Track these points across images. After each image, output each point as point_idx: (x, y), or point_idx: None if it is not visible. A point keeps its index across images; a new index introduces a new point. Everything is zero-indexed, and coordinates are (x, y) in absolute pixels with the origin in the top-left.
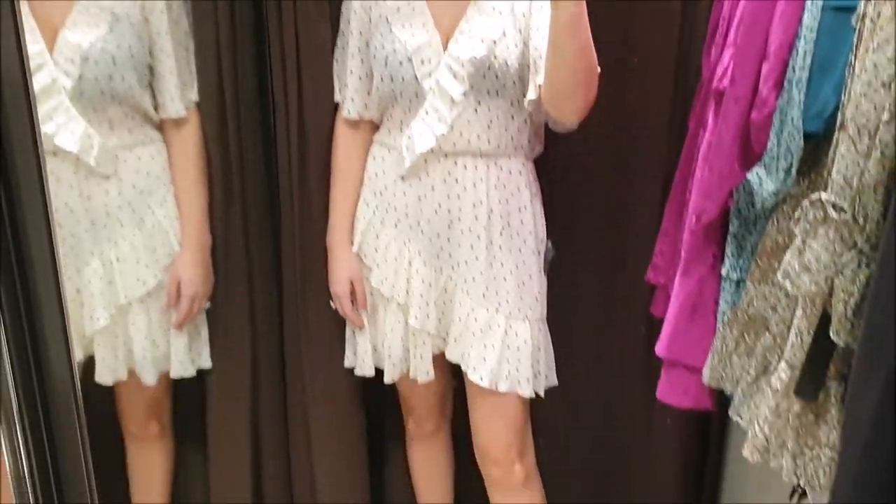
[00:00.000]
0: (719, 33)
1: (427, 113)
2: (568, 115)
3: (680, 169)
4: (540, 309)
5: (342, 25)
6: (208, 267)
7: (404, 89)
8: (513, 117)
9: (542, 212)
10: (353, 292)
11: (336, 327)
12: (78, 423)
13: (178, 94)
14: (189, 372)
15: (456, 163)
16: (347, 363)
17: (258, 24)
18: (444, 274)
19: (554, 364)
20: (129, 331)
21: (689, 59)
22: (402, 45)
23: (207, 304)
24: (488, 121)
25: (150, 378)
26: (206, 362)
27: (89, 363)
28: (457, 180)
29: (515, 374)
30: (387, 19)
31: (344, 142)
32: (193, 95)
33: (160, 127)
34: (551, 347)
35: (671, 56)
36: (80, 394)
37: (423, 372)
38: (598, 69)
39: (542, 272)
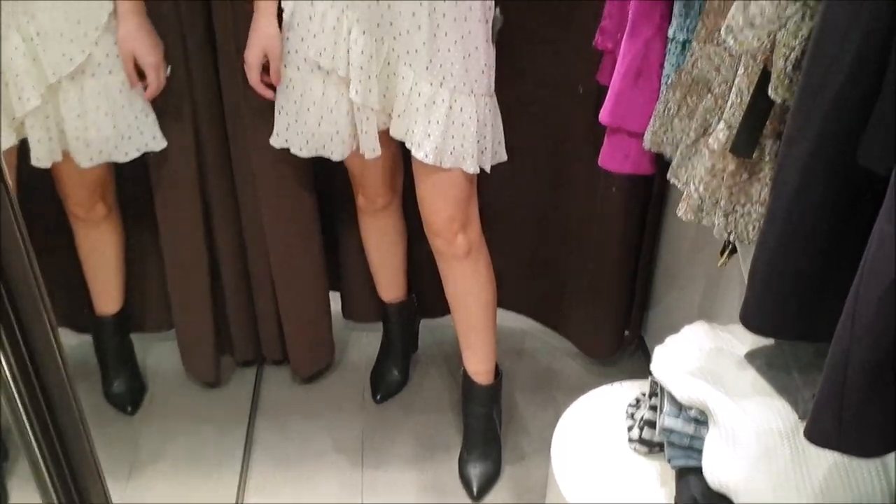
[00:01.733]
0: None
1: None
2: None
3: None
4: (487, 82)
5: None
6: (153, 31)
7: None
8: None
9: None
10: (267, 64)
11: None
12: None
13: None
14: (159, 145)
15: None
16: (276, 141)
17: None
18: (386, 45)
19: (503, 139)
20: (61, 110)
21: None
22: None
23: (169, 70)
24: None
25: (84, 161)
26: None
27: (26, 146)
28: None
29: (460, 150)
30: None
31: None
32: None
33: None
34: (500, 122)
35: None
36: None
37: (370, 149)
38: None
39: (489, 42)
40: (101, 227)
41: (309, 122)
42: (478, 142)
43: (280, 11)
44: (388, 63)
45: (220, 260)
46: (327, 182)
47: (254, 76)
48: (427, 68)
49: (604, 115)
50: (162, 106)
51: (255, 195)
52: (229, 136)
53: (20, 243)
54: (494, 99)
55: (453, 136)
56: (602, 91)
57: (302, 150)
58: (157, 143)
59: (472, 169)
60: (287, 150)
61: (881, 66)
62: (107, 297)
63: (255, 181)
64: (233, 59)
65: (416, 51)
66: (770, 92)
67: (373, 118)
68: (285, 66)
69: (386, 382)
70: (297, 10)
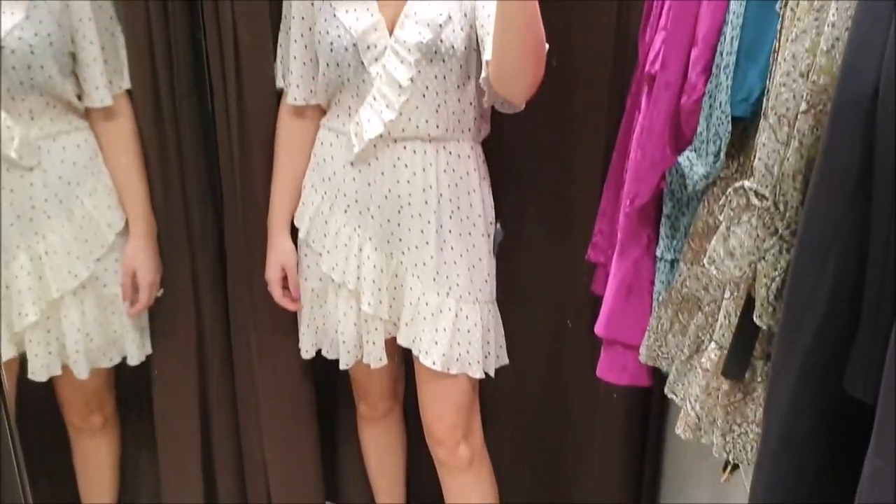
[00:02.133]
0: (654, 15)
1: (375, 99)
2: (517, 93)
3: (616, 149)
4: (489, 291)
5: (284, 9)
6: (157, 253)
7: (351, 75)
8: (459, 100)
9: (491, 194)
10: (286, 279)
11: (283, 311)
12: (7, 422)
13: (104, 82)
14: (141, 358)
15: (405, 147)
16: (304, 355)
17: (192, 7)
18: (395, 259)
19: (504, 343)
20: (62, 324)
21: (627, 44)
22: (347, 30)
23: (160, 291)
24: (436, 105)
25: (83, 372)
26: (149, 349)
27: (25, 358)
28: (406, 165)
29: (466, 357)
30: (330, 3)
31: (288, 128)
32: (123, 83)
33: (87, 115)
34: (501, 328)
35: (609, 41)
36: (6, 392)
37: (376, 358)
38: (546, 45)
39: (491, 254)
40: (97, 437)
41: (328, 330)
42: (482, 347)
43: (293, 229)
44: (396, 275)
45: (215, 470)
46: (327, 391)
47: (277, 291)
48: (434, 279)
49: (599, 328)
50: (169, 320)
51: (258, 412)
52: (233, 349)
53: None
54: (496, 306)
55: (459, 343)
56: (598, 300)
57: (308, 352)
58: (141, 352)
59: (478, 374)
60: (288, 369)
61: (857, 299)
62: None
63: (257, 398)
64: (238, 270)
65: (424, 264)
66: (755, 318)
67: (380, 328)
68: (305, 280)
69: None
70: (312, 229)
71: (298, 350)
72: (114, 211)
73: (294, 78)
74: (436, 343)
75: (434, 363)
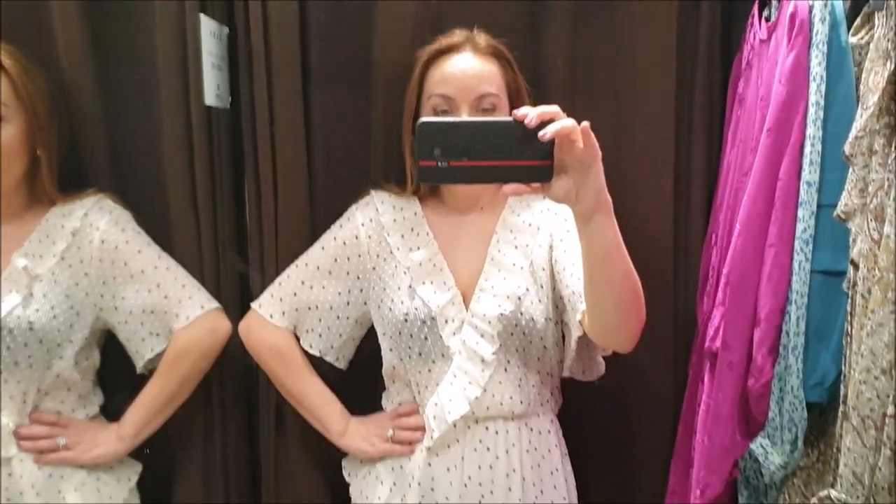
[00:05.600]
0: (711, 275)
1: (455, 376)
2: (622, 343)
3: (682, 422)
4: None
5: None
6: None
7: (427, 349)
8: (538, 372)
9: (572, 472)
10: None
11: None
12: None
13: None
14: None
15: (487, 428)
16: None
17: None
18: None
19: None
20: None
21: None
22: (424, 302)
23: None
24: (518, 379)
25: None
26: None
27: None
28: (488, 448)
29: None
30: (404, 272)
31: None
32: (198, 305)
33: None
34: None
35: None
36: None
37: None
38: (640, 287)
39: None
40: None
41: None
42: None
43: None
44: None
45: None
46: None
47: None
48: None
49: None
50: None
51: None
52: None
53: None
54: None
55: None
56: None
57: None
58: None
59: None
60: None
61: None
62: None
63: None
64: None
65: None
66: None
67: None
68: None
69: None
70: None
71: None
72: None
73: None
74: None
75: None
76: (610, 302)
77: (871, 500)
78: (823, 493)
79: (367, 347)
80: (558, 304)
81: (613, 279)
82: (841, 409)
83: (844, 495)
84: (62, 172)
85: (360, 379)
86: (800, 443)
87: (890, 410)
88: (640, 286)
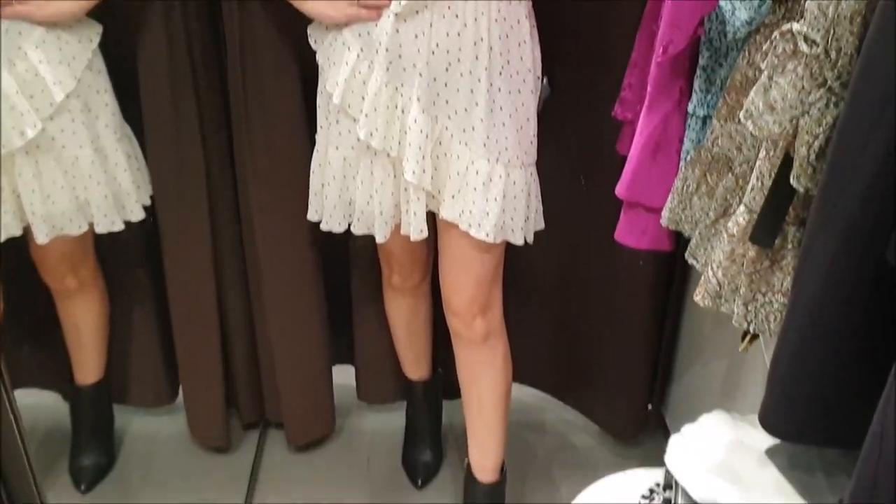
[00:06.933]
0: None
1: None
2: None
3: None
4: (534, 152)
5: None
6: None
7: None
8: None
9: (539, 45)
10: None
11: (290, 175)
12: None
13: None
14: (118, 226)
15: None
16: (314, 217)
17: None
18: (440, 123)
19: (541, 207)
20: (17, 185)
21: None
22: None
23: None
24: None
25: (42, 237)
26: (134, 214)
27: None
28: (457, 15)
29: (510, 224)
30: None
31: None
32: None
33: None
34: (539, 190)
35: None
36: None
37: (417, 230)
38: None
39: (535, 113)
40: (76, 299)
41: (358, 201)
42: (524, 213)
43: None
44: (440, 143)
45: (228, 323)
46: (344, 262)
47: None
48: (484, 145)
49: (620, 189)
50: (179, 188)
51: (262, 274)
52: (242, 217)
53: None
54: (535, 169)
55: (504, 210)
56: (623, 162)
57: (341, 225)
58: (111, 222)
59: (519, 241)
60: (295, 231)
61: None
62: (83, 366)
63: (259, 259)
64: (245, 129)
65: (473, 128)
66: (792, 180)
67: (423, 198)
68: (336, 149)
69: (423, 465)
70: (347, 93)
71: (302, 215)
72: (64, 68)
73: None
74: (487, 214)
75: (487, 235)
76: None
77: (832, 31)
78: (785, 27)
79: None
80: None
81: None
82: None
83: (806, 27)
84: None
85: None
86: None
87: None
88: None
